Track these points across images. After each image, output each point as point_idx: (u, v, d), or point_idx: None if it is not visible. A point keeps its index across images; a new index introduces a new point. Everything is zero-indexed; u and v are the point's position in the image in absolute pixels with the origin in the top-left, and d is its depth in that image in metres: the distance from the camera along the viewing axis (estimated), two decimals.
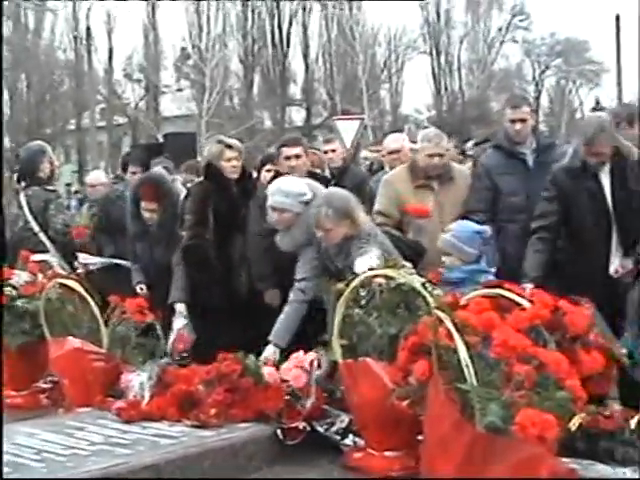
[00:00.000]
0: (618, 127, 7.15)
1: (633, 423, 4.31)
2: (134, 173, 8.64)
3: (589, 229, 6.32)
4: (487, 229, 6.12)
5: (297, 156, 7.22)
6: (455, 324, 3.28)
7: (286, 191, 6.43)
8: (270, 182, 7.36)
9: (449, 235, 6.03)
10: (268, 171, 7.96)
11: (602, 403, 4.48)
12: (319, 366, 5.08)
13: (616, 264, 6.22)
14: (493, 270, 5.95)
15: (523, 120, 7.12)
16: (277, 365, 5.43)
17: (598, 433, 4.26)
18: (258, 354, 5.58)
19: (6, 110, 37.76)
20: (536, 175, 6.95)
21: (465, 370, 3.17)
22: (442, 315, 3.31)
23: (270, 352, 5.74)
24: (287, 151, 7.27)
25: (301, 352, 5.23)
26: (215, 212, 7.08)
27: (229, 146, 7.23)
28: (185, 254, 6.94)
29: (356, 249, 5.83)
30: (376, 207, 7.13)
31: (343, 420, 5.00)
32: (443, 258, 5.94)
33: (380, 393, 4.21)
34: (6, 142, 33.88)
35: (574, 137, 6.58)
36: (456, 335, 3.20)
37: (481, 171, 7.25)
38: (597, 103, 52.74)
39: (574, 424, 4.03)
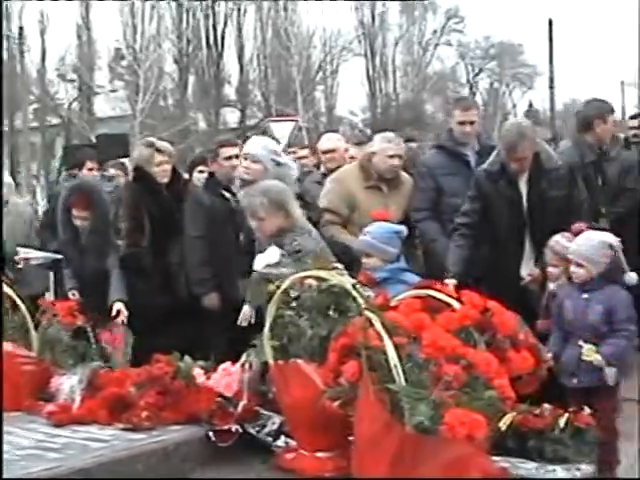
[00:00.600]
0: (591, 126, 7.32)
1: (562, 421, 4.36)
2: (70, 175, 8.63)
3: (504, 233, 6.48)
4: (404, 229, 6.23)
5: (237, 156, 7.23)
6: (384, 325, 3.29)
7: (264, 144, 6.59)
8: (204, 183, 7.36)
9: (369, 236, 6.11)
10: (200, 172, 7.94)
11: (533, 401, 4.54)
12: (250, 368, 5.07)
13: (526, 270, 6.37)
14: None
15: (472, 122, 7.24)
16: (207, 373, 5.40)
17: (528, 431, 4.31)
18: (198, 357, 5.55)
19: None
20: None
21: (394, 371, 3.19)
22: (371, 316, 3.32)
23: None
24: (228, 151, 7.26)
25: (229, 363, 5.22)
26: (150, 217, 7.04)
27: (159, 150, 7.18)
28: (123, 263, 6.90)
29: (289, 243, 5.85)
30: (324, 204, 7.17)
31: (275, 422, 5.00)
32: (364, 260, 6.02)
33: (311, 394, 4.21)
34: None
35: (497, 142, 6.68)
36: (385, 336, 3.22)
37: (424, 171, 7.33)
38: (530, 106, 53.43)
39: (505, 423, 4.09)
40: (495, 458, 3.87)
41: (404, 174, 7.47)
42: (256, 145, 6.93)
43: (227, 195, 7.15)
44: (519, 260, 6.43)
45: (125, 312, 6.62)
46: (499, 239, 6.50)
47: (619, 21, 72.19)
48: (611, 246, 5.67)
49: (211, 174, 7.34)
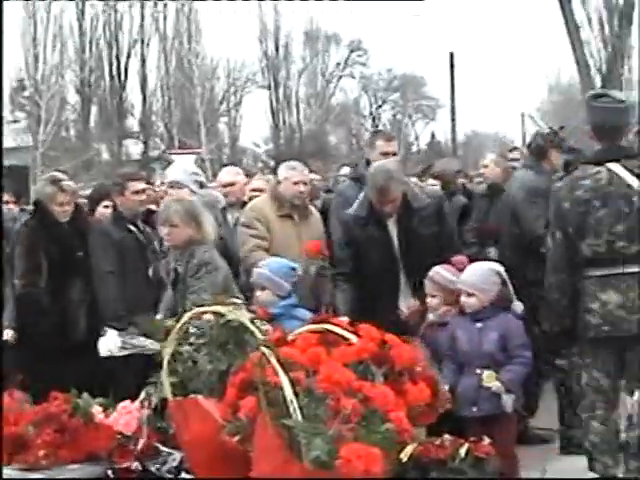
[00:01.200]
0: (545, 156, 7.49)
1: (462, 451, 4.40)
2: None
3: (379, 273, 6.58)
4: (298, 266, 6.36)
5: (144, 190, 7.24)
6: (279, 360, 3.29)
7: (183, 168, 6.74)
8: (112, 217, 7.31)
9: (266, 269, 6.16)
10: (106, 207, 7.87)
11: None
12: (149, 405, 5.01)
13: (404, 305, 6.50)
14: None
15: (395, 153, 7.38)
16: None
17: (429, 462, 4.33)
18: (96, 395, 5.46)
19: None
20: None
21: (290, 406, 3.18)
22: (266, 351, 3.32)
23: None
24: (136, 185, 7.25)
25: (128, 401, 5.17)
26: (47, 256, 6.95)
27: (63, 189, 7.12)
28: (19, 303, 6.81)
29: (200, 253, 5.91)
30: (252, 232, 7.16)
31: (175, 458, 4.94)
32: (257, 292, 6.07)
33: (210, 430, 4.17)
34: None
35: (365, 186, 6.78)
36: (280, 371, 3.22)
37: (340, 201, 7.43)
38: (433, 137, 54.19)
39: (406, 454, 4.11)
40: None
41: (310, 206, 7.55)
42: (177, 171, 6.99)
43: (134, 229, 7.13)
44: (396, 296, 6.55)
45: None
46: (374, 279, 6.61)
47: (519, 55, 73.83)
48: (499, 274, 5.79)
49: (114, 208, 7.30)
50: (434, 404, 4.16)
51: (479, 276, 5.79)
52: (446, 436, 4.52)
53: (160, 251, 7.30)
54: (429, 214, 6.63)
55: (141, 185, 7.33)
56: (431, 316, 6.18)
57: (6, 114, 43.97)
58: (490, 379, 5.53)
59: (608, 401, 5.87)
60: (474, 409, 5.65)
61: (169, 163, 17.82)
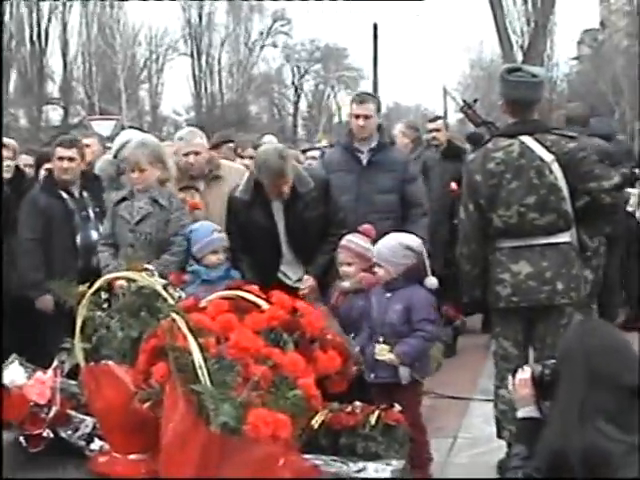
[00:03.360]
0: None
1: (373, 419, 4.45)
2: None
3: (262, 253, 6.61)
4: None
5: (70, 159, 7.13)
6: (189, 327, 3.31)
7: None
8: (42, 184, 7.25)
9: (223, 234, 6.33)
10: (47, 170, 7.80)
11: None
12: (62, 372, 4.99)
13: (294, 274, 6.56)
14: None
15: (367, 117, 7.28)
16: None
17: (340, 429, 4.39)
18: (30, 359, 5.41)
19: None
20: (368, 175, 7.14)
21: (199, 372, 3.21)
22: (177, 317, 3.34)
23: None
24: (60, 152, 7.16)
25: (40, 372, 5.14)
26: None
27: (4, 145, 7.08)
28: None
29: (167, 197, 6.08)
30: None
31: (87, 425, 4.93)
32: (209, 257, 6.20)
33: (122, 396, 4.18)
34: None
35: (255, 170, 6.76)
36: (189, 337, 3.24)
37: (320, 167, 7.47)
38: None
39: (316, 421, 4.16)
40: (307, 456, 3.93)
41: (227, 164, 7.47)
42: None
43: (65, 196, 7.08)
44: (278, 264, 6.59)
45: None
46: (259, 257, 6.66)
47: (442, 28, 74.14)
48: (410, 248, 5.84)
49: (50, 172, 7.25)
50: (344, 372, 4.21)
51: (388, 249, 5.85)
52: (357, 403, 4.59)
53: (96, 214, 7.27)
54: (315, 197, 6.57)
55: (66, 152, 7.22)
56: (345, 284, 6.23)
57: None
58: (382, 352, 5.61)
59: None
60: (372, 376, 5.73)
61: (88, 130, 17.62)
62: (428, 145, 10.19)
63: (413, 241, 5.93)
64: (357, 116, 7.29)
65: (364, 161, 7.33)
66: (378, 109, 7.47)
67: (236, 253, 6.59)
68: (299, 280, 6.61)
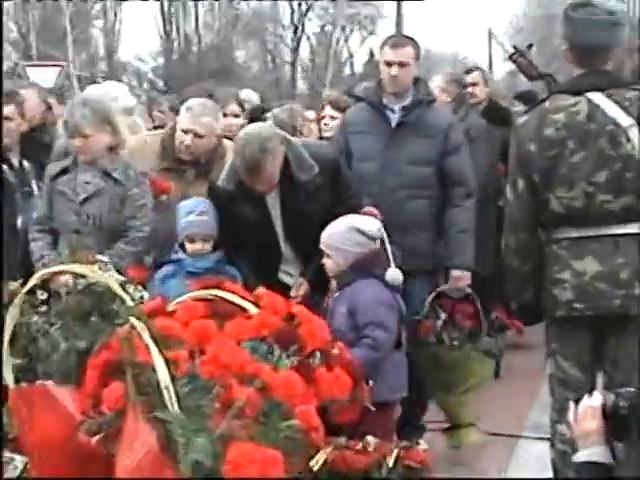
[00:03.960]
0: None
1: (391, 460, 4.46)
2: None
3: (258, 252, 6.65)
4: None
5: (6, 118, 7.22)
6: (153, 336, 3.31)
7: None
8: None
9: (206, 217, 6.36)
10: None
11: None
12: None
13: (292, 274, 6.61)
14: None
15: (403, 64, 7.26)
16: None
17: (348, 472, 4.40)
18: None
19: None
20: (398, 138, 7.14)
21: (165, 395, 3.21)
22: (137, 324, 3.34)
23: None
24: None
25: None
26: None
27: None
28: None
29: (122, 170, 6.09)
30: None
31: (17, 465, 4.94)
32: (188, 245, 6.26)
33: (64, 427, 4.19)
34: None
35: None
36: (153, 349, 3.23)
37: (339, 130, 7.53)
38: (371, 56, 54.42)
39: (317, 461, 4.17)
40: None
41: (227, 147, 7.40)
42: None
43: (5, 168, 7.16)
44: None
45: None
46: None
47: None
48: (365, 234, 5.86)
49: None
50: (355, 398, 4.22)
51: (336, 234, 5.90)
52: (369, 438, 4.59)
53: (41, 189, 7.30)
54: (319, 185, 6.52)
55: (2, 109, 7.29)
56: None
57: None
58: None
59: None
60: None
61: (23, 80, 17.63)
62: (473, 105, 10.16)
63: (369, 224, 5.96)
64: (389, 63, 7.27)
65: (394, 122, 7.33)
66: (417, 57, 7.44)
67: (229, 253, 6.63)
68: None
